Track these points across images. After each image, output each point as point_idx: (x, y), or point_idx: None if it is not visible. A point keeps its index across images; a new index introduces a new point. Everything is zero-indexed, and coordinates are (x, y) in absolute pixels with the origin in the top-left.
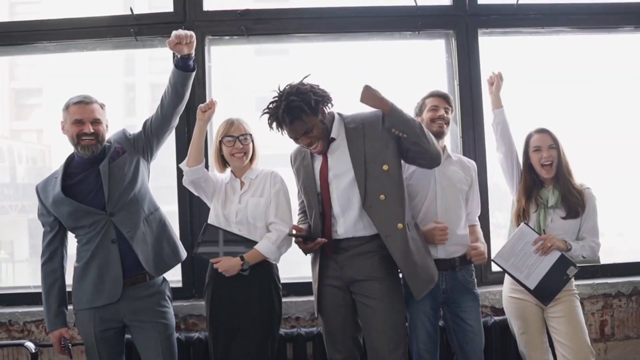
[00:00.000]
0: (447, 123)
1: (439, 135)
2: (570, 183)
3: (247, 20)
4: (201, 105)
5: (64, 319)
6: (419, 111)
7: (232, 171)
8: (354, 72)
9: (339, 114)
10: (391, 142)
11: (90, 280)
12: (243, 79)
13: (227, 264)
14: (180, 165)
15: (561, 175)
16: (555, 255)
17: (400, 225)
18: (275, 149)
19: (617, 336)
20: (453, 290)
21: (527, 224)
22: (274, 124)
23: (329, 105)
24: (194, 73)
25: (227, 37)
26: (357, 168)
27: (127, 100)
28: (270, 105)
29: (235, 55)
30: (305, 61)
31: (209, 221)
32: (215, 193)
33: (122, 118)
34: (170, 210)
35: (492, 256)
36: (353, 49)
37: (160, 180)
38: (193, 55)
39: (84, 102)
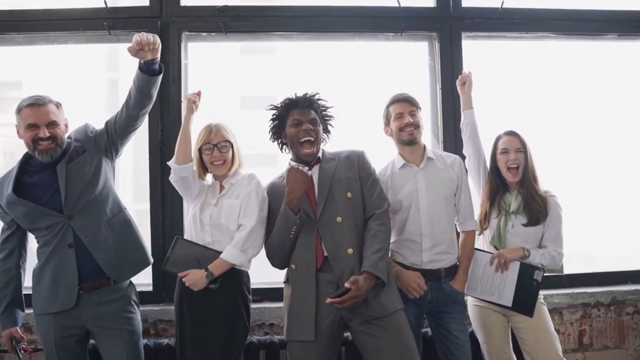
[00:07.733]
0: (418, 126)
1: (411, 142)
2: (534, 188)
3: (226, 17)
4: (190, 95)
5: (15, 318)
6: (387, 121)
7: (213, 175)
8: (339, 73)
9: (323, 149)
10: (359, 183)
11: (45, 285)
12: (229, 79)
13: (193, 278)
14: (169, 163)
15: (526, 179)
16: (516, 266)
17: (350, 251)
18: (258, 149)
19: (595, 346)
20: (439, 301)
21: (476, 249)
22: (283, 107)
23: (328, 135)
24: (160, 76)
25: (204, 34)
26: (321, 184)
27: (109, 96)
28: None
29: (219, 53)
30: (290, 61)
31: (185, 223)
32: (198, 195)
33: (104, 114)
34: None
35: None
36: (337, 50)
37: (139, 178)
38: (158, 59)
39: (36, 105)
